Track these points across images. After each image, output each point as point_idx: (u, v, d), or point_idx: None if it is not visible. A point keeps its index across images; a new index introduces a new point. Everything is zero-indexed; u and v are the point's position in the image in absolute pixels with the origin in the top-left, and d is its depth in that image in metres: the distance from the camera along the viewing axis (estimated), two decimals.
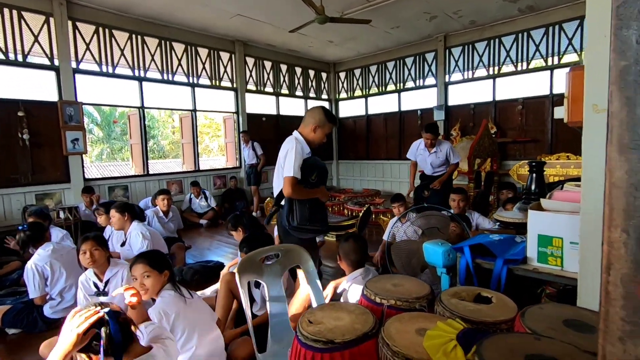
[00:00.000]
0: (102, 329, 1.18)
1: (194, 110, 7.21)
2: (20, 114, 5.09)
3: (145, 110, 6.65)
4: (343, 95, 10.06)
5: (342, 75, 9.92)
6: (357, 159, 9.80)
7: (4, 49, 4.95)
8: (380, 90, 9.18)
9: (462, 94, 7.89)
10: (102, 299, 2.46)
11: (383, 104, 9.29)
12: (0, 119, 5.00)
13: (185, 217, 6.08)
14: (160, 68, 6.56)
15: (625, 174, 0.38)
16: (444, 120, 7.89)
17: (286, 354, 1.64)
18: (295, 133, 2.39)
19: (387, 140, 9.24)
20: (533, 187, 2.29)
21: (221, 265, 3.87)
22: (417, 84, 8.50)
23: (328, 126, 2.31)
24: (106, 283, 2.47)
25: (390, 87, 9.04)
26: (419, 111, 8.47)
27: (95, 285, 2.48)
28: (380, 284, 1.35)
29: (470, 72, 7.62)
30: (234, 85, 7.73)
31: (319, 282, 1.78)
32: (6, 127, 5.03)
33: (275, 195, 2.37)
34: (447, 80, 7.95)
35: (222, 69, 7.51)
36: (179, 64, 6.82)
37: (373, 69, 9.21)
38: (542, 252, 1.59)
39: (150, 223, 4.54)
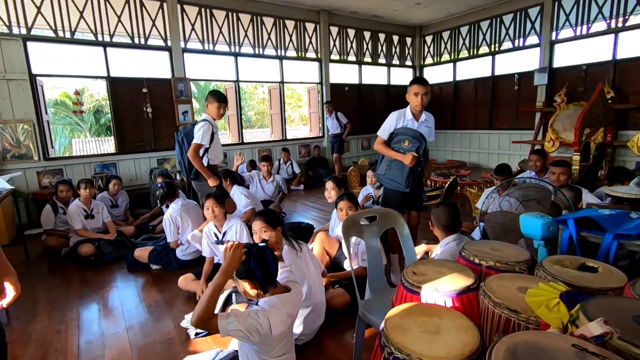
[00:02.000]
0: (256, 248, 1.48)
1: (282, 82, 7.61)
2: (144, 90, 5.99)
3: (240, 83, 7.23)
4: (429, 60, 9.54)
5: (429, 39, 9.35)
6: (441, 128, 9.35)
7: (130, 34, 5.80)
8: (472, 53, 8.48)
9: (572, 54, 6.90)
10: (221, 247, 2.97)
11: (474, 69, 8.60)
12: (130, 96, 5.96)
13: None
14: (252, 43, 7.00)
15: None
16: (547, 84, 7.05)
17: (381, 300, 1.85)
18: None
19: (476, 108, 8.63)
20: None
21: (311, 227, 4.24)
22: (516, 45, 7.64)
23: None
24: (224, 234, 2.96)
25: (483, 49, 8.28)
26: (516, 75, 7.68)
27: (215, 235, 2.99)
28: (478, 247, 1.44)
29: (584, 27, 6.59)
30: (319, 56, 7.89)
31: (412, 243, 1.93)
32: (135, 102, 5.99)
33: None
34: (553, 38, 7.00)
35: (307, 40, 7.70)
36: (269, 38, 7.18)
37: (464, 30, 8.50)
38: None
39: (248, 186, 5.13)
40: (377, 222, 1.93)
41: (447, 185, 4.77)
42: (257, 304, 1.52)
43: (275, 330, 1.43)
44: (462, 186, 5.57)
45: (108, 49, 5.67)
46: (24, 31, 5.04)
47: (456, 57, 8.83)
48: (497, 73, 8.12)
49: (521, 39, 7.54)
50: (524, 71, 7.54)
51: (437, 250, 2.07)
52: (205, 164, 3.26)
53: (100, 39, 5.58)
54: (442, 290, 1.16)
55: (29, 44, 5.10)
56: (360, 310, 1.75)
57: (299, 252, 2.08)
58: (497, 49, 7.99)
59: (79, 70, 6.26)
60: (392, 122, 2.85)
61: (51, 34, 5.25)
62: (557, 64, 7.09)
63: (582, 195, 2.80)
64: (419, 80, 2.80)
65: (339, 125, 7.22)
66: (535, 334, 0.87)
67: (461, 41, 8.63)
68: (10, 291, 1.24)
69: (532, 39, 7.37)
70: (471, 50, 8.48)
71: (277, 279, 1.55)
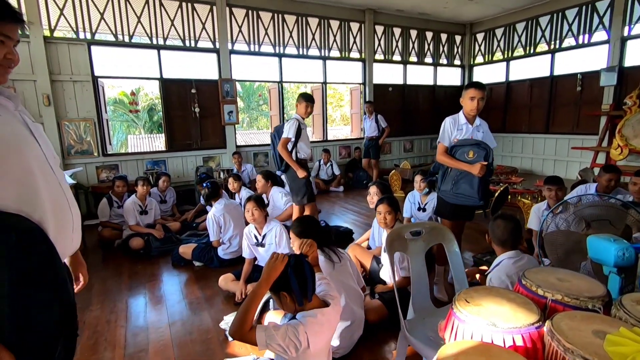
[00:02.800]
0: (294, 258, 1.44)
1: (325, 83, 7.58)
2: (192, 91, 6.23)
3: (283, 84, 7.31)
4: (479, 59, 9.04)
5: (480, 37, 8.86)
6: (490, 131, 8.81)
7: (182, 37, 6.05)
8: (528, 51, 7.91)
9: None
10: (260, 249, 2.99)
11: (529, 69, 8.03)
12: (179, 96, 6.23)
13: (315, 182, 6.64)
14: (296, 43, 7.03)
15: None
16: (616, 85, 6.38)
17: (425, 321, 1.74)
18: None
19: (530, 110, 8.05)
20: None
21: (350, 232, 4.17)
22: (580, 42, 7.00)
23: None
24: (263, 236, 2.97)
25: (541, 47, 7.69)
26: (579, 75, 7.04)
27: (255, 237, 3.01)
28: (541, 276, 1.29)
29: None
30: (362, 56, 7.76)
31: (461, 262, 1.79)
32: (183, 103, 6.25)
33: None
34: (625, 34, 6.32)
35: (351, 40, 7.60)
36: (313, 38, 7.18)
37: (520, 26, 7.94)
38: None
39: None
40: (424, 237, 1.81)
41: (497, 193, 4.46)
42: (294, 317, 1.49)
43: (314, 346, 1.38)
44: (513, 194, 5.20)
45: (161, 51, 5.96)
46: (88, 36, 5.43)
47: (510, 55, 8.28)
48: (556, 73, 7.51)
49: (586, 35, 6.90)
50: (589, 71, 6.90)
51: (491, 269, 1.91)
52: (294, 158, 3.55)
53: (154, 42, 5.88)
54: (500, 325, 1.04)
55: (93, 48, 5.49)
56: (403, 331, 1.65)
57: (336, 264, 2.01)
58: (557, 47, 7.38)
59: (135, 71, 6.69)
60: (448, 128, 2.67)
61: (112, 38, 5.62)
62: (628, 62, 6.40)
63: None
64: (476, 84, 2.63)
65: (376, 128, 6.88)
66: None
67: (516, 38, 8.08)
68: (81, 281, 1.37)
69: (600, 35, 6.71)
70: (527, 48, 7.91)
71: (315, 293, 1.50)
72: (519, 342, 1.02)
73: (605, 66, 6.53)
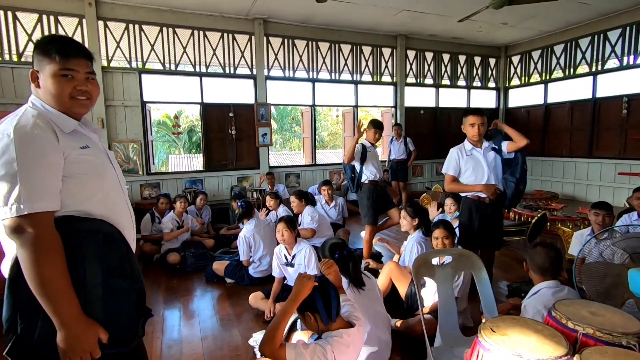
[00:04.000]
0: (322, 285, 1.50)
1: (357, 106, 7.73)
2: (230, 114, 6.59)
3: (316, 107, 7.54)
4: (515, 82, 8.87)
5: (515, 59, 8.73)
6: (528, 154, 8.46)
7: (222, 65, 6.48)
8: (567, 73, 7.68)
9: None
10: (289, 269, 3.07)
11: (569, 91, 7.77)
12: (218, 119, 6.61)
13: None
14: (329, 68, 7.29)
15: None
16: None
17: (452, 349, 1.71)
18: None
19: (571, 134, 7.72)
20: None
21: (379, 255, 4.15)
22: (625, 63, 6.72)
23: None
24: (293, 257, 3.05)
25: (582, 68, 7.45)
26: (625, 97, 6.72)
27: (285, 257, 3.09)
28: (573, 309, 1.26)
29: None
30: (394, 80, 7.88)
31: (491, 291, 1.77)
32: (221, 125, 6.62)
33: None
34: None
35: (383, 65, 7.76)
36: (345, 64, 7.41)
37: (558, 48, 7.76)
38: None
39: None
40: (452, 264, 1.81)
41: (534, 220, 4.29)
42: (320, 337, 1.53)
43: None
44: (552, 222, 4.96)
45: (203, 78, 6.40)
46: (140, 65, 5.95)
47: (548, 77, 8.06)
48: (599, 95, 7.20)
49: (631, 57, 6.61)
50: (635, 93, 6.57)
51: (528, 295, 1.86)
52: (364, 180, 3.82)
53: (197, 69, 6.33)
54: (525, 356, 1.03)
55: (143, 76, 6.01)
56: (429, 358, 1.64)
57: (361, 291, 2.03)
58: (599, 69, 7.11)
59: (178, 96, 7.19)
60: (455, 157, 2.74)
61: (160, 66, 6.12)
62: None
63: None
64: (474, 110, 2.78)
65: (405, 151, 6.83)
66: None
67: (554, 60, 7.88)
68: None
69: None
70: (567, 70, 7.68)
71: (340, 313, 1.54)
72: None
73: None
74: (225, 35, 6.40)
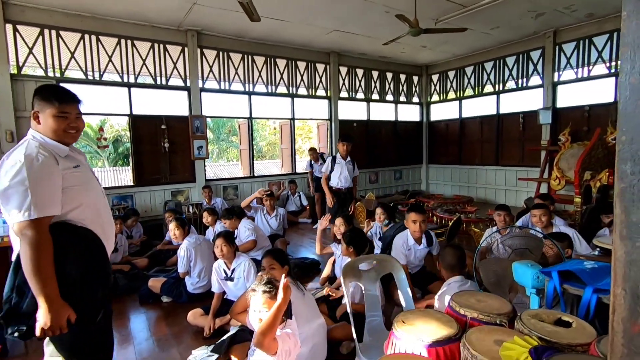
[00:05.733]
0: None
1: (293, 119, 7.96)
2: (162, 127, 6.37)
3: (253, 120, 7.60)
4: (435, 98, 9.87)
5: (435, 77, 9.73)
6: (448, 163, 9.53)
7: (153, 75, 6.26)
8: (477, 92, 8.78)
9: (575, 95, 7.11)
10: (229, 283, 3.11)
11: (479, 107, 8.87)
12: (149, 131, 6.33)
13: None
14: (265, 82, 7.42)
15: (624, 253, 0.60)
16: (551, 123, 7.21)
17: (378, 345, 1.95)
18: None
19: (482, 145, 8.80)
20: None
21: (317, 263, 4.35)
22: (520, 85, 7.92)
23: None
24: (232, 270, 3.11)
25: (488, 88, 8.58)
26: (520, 114, 7.89)
27: (225, 272, 3.13)
28: (464, 298, 1.56)
29: (585, 69, 6.83)
30: (328, 94, 8.28)
31: (409, 290, 2.04)
32: (153, 138, 6.35)
33: None
34: (555, 79, 7.25)
35: (317, 79, 8.11)
36: (281, 78, 7.61)
37: (469, 70, 8.84)
38: None
39: (254, 218, 5.27)
40: (376, 268, 2.06)
41: (451, 223, 4.86)
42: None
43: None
44: (467, 223, 5.63)
45: (132, 89, 6.11)
46: (57, 74, 5.51)
47: (462, 95, 9.13)
48: (502, 111, 8.35)
49: (524, 79, 7.82)
50: (529, 110, 7.75)
51: (441, 289, 2.17)
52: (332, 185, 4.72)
53: (125, 79, 6.03)
54: (426, 340, 1.28)
55: (62, 85, 5.55)
56: (357, 352, 1.85)
57: (305, 293, 2.20)
58: (501, 89, 8.27)
59: (104, 107, 6.70)
60: (399, 247, 3.00)
61: (82, 75, 5.71)
62: (560, 104, 7.29)
63: (575, 244, 2.86)
64: (415, 208, 3.12)
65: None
66: None
67: (466, 80, 8.95)
68: None
69: (535, 80, 7.63)
70: (476, 89, 8.78)
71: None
72: (441, 353, 1.26)
73: (541, 106, 7.39)
74: (156, 45, 6.21)
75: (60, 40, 5.46)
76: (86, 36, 5.63)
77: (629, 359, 0.61)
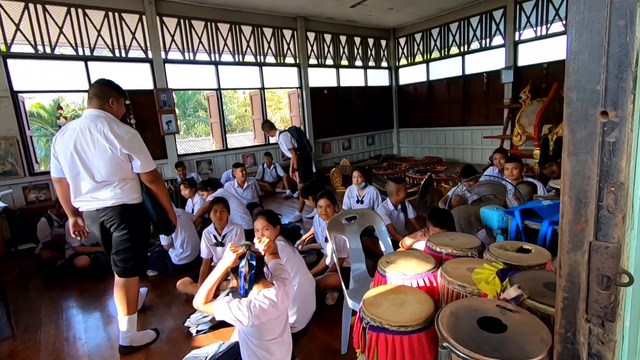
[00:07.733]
0: (244, 259, 1.69)
1: (263, 89, 7.81)
2: (127, 102, 6.07)
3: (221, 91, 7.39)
4: (403, 61, 9.93)
5: (402, 41, 9.74)
6: (417, 126, 9.78)
7: (111, 47, 5.89)
8: (443, 54, 8.91)
9: (534, 53, 7.41)
10: (219, 249, 3.19)
11: (445, 69, 9.05)
12: None
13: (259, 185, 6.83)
14: (231, 51, 7.18)
15: (570, 167, 0.73)
16: (513, 82, 7.52)
17: (363, 290, 2.12)
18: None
19: (449, 106, 9.07)
20: None
21: (298, 228, 4.50)
22: (483, 45, 8.11)
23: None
24: (223, 236, 3.17)
25: (454, 50, 8.73)
26: (484, 74, 8.15)
27: (215, 237, 3.19)
28: (440, 239, 1.73)
29: (544, 27, 7.09)
30: (297, 61, 8.13)
31: (389, 239, 2.21)
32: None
33: None
34: (516, 38, 7.49)
35: (285, 47, 7.92)
36: (248, 46, 7.37)
37: (435, 32, 8.92)
38: None
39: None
40: (357, 221, 2.20)
41: (423, 182, 5.11)
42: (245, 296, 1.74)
43: (258, 320, 1.63)
44: (438, 182, 5.93)
45: (89, 62, 5.75)
46: (3, 48, 5.07)
47: (429, 57, 9.24)
48: (467, 72, 8.58)
49: (488, 40, 8.01)
50: (492, 70, 8.01)
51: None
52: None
53: (80, 52, 5.65)
54: (408, 274, 1.44)
55: (9, 61, 5.14)
56: (345, 298, 2.02)
57: (295, 250, 2.33)
58: (466, 50, 8.44)
59: (60, 84, 6.25)
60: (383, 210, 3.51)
61: (31, 50, 5.29)
62: (521, 62, 7.58)
63: (537, 189, 3.16)
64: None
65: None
66: (472, 300, 1.16)
67: (432, 42, 9.05)
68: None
69: (498, 40, 7.84)
70: (442, 51, 8.91)
71: (271, 275, 1.76)
72: (421, 283, 1.43)
73: (503, 66, 7.65)
74: (110, 14, 5.80)
75: (2, 10, 4.99)
76: (30, 5, 5.16)
77: (573, 251, 0.76)
